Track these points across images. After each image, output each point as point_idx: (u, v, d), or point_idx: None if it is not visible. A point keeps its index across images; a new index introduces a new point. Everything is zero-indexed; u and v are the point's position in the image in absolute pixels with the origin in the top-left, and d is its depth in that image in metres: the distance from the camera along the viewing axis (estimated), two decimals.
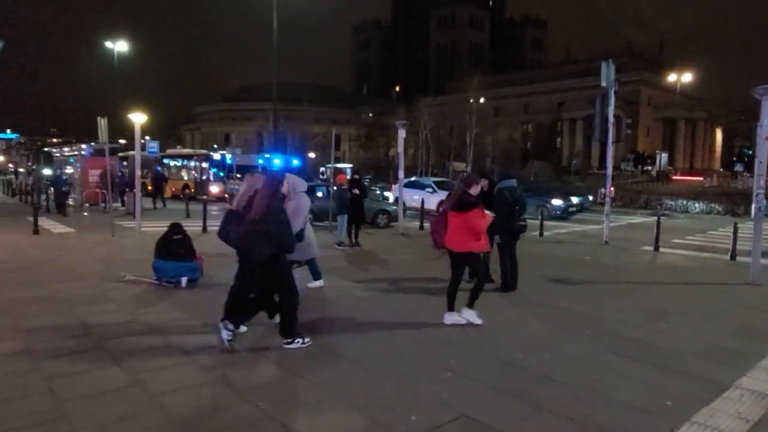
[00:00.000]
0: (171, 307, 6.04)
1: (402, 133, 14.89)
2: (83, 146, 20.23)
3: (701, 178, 51.94)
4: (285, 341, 4.69)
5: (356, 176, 12.92)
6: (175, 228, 7.53)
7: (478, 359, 4.58)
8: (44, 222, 14.67)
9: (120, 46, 37.39)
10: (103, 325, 5.25)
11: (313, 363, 4.38)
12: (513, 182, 7.50)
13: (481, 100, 59.41)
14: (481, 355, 4.70)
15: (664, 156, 62.61)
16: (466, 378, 4.13)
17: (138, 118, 12.59)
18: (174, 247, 7.29)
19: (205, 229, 13.41)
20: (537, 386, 4.00)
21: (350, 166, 50.04)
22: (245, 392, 3.75)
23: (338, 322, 5.67)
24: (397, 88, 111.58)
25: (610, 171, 13.32)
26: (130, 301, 6.26)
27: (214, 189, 25.63)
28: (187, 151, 38.93)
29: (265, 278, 4.64)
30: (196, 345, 4.72)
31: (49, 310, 5.73)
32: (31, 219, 12.56)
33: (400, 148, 15.30)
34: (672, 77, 61.40)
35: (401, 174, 15.26)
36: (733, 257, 10.76)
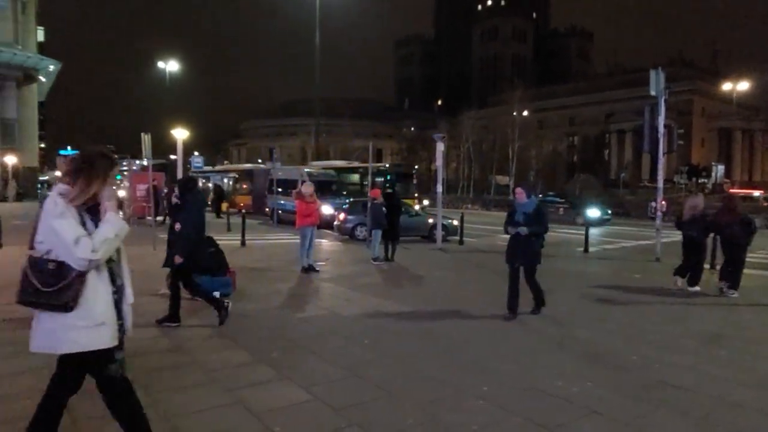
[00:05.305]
0: (199, 323, 5.97)
1: (440, 147, 14.67)
2: (134, 161, 20.74)
3: (761, 191, 49.23)
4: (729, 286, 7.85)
5: (389, 191, 12.45)
6: (208, 242, 7.51)
7: (514, 386, 4.25)
8: None
9: (171, 66, 38.98)
10: (131, 340, 5.19)
11: (339, 387, 4.16)
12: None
13: (524, 113, 58.52)
14: (518, 382, 4.37)
15: (721, 168, 59.73)
16: (499, 408, 3.82)
17: (180, 134, 12.88)
18: (206, 262, 7.26)
19: (243, 243, 13.49)
20: (578, 421, 3.64)
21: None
22: (262, 416, 3.57)
23: (362, 341, 5.45)
24: (439, 102, 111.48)
25: (661, 184, 12.66)
26: (160, 315, 6.22)
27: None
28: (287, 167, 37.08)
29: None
30: (224, 364, 4.60)
31: None
32: None
33: (439, 162, 15.06)
34: (727, 86, 58.73)
35: (439, 188, 15.00)
36: None
